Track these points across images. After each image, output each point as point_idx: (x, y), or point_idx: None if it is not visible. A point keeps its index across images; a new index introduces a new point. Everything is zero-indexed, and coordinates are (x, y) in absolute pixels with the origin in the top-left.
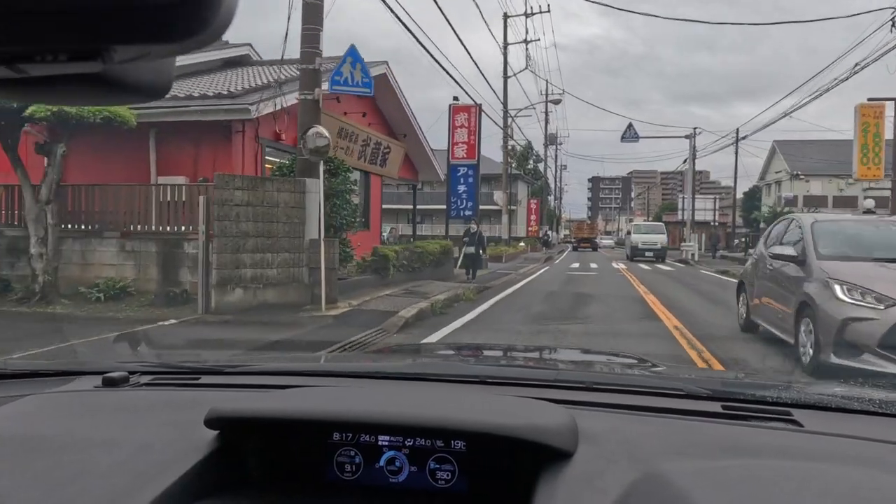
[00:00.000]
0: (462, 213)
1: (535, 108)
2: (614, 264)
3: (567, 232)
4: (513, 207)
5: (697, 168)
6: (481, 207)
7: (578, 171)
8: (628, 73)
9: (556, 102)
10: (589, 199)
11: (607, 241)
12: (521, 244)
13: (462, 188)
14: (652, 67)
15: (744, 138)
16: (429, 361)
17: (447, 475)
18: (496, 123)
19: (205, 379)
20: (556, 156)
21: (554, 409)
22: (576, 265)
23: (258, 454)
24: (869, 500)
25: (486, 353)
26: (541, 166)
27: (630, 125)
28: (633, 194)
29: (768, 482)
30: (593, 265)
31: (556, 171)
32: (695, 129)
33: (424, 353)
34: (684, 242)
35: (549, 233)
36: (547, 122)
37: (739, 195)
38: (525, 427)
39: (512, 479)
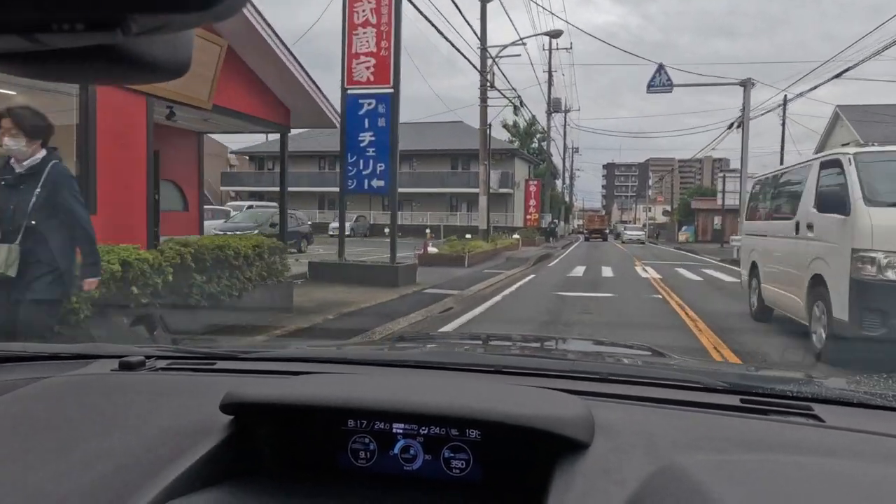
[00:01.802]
0: (366, 185)
1: (524, 45)
2: (640, 269)
3: (581, 222)
4: (508, 191)
5: (715, 155)
6: (468, 191)
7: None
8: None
9: (556, 35)
10: (603, 186)
11: (634, 233)
12: (515, 236)
13: (366, 139)
14: (669, 55)
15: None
16: (443, 350)
17: (461, 464)
18: (473, 66)
19: (220, 364)
20: (564, 131)
21: (570, 399)
22: (579, 270)
23: (273, 440)
24: (893, 497)
25: (499, 342)
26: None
27: (661, 68)
28: (650, 182)
29: (789, 477)
30: (606, 270)
31: (564, 149)
32: (749, 78)
33: (438, 342)
34: (737, 236)
35: (556, 221)
36: (550, 81)
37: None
38: (542, 417)
39: (526, 468)
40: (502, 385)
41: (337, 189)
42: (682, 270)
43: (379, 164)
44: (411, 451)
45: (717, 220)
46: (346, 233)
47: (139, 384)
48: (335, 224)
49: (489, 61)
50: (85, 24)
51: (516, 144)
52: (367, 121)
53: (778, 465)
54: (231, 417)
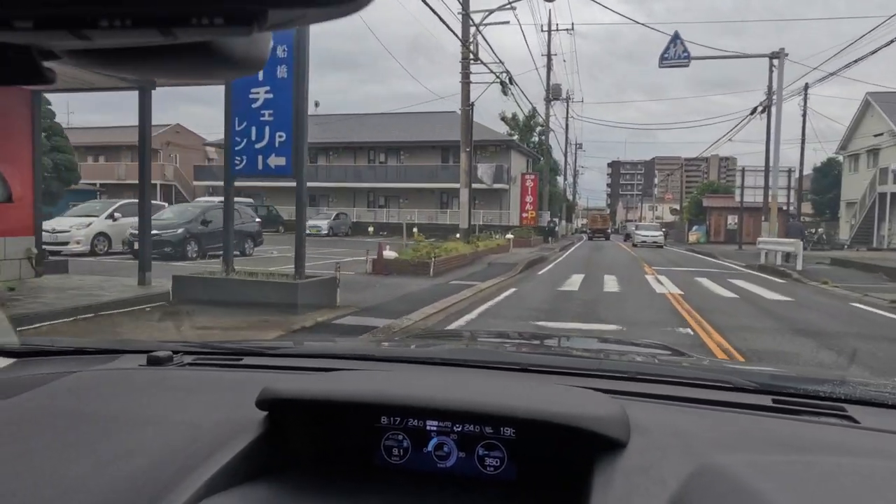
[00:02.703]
0: (261, 165)
1: (513, 9)
2: (652, 278)
3: (585, 221)
4: (502, 186)
5: (721, 154)
6: (457, 186)
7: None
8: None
9: None
10: (608, 185)
11: (649, 234)
12: (509, 236)
13: (260, 96)
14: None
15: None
16: (470, 348)
17: (496, 462)
18: (454, 33)
19: (246, 360)
20: (566, 123)
21: (604, 398)
22: (575, 281)
23: (305, 436)
24: None
25: (524, 340)
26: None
27: (676, 38)
28: (655, 180)
29: (827, 476)
30: (610, 281)
31: (566, 142)
32: (782, 49)
33: (465, 340)
34: (765, 237)
35: (556, 220)
36: (549, 64)
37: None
38: (581, 416)
39: (561, 466)
40: (534, 383)
41: (319, 183)
42: (705, 281)
43: (279, 134)
44: (445, 449)
45: (732, 220)
46: (324, 232)
47: (168, 379)
48: (313, 222)
49: (472, 29)
50: (224, 19)
51: (516, 139)
52: (260, 71)
53: (816, 464)
54: (265, 413)
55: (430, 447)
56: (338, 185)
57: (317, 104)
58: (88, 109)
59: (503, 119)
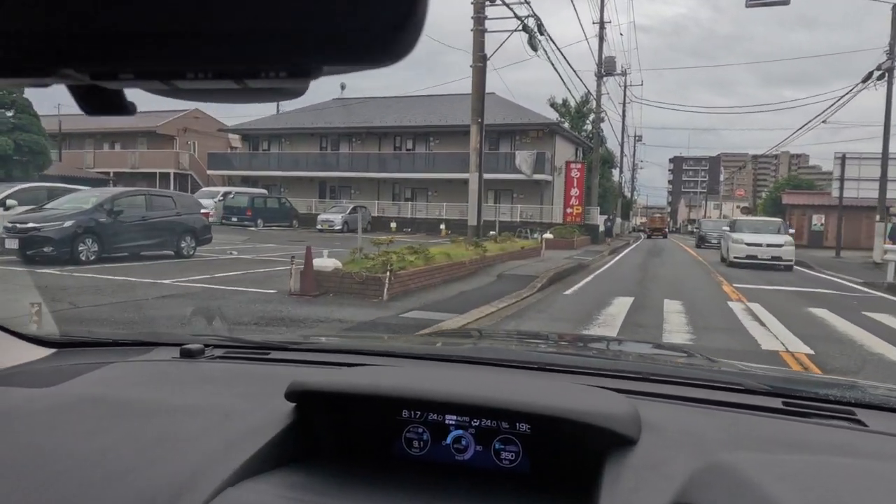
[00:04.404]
0: None
1: None
2: (739, 307)
3: (644, 220)
4: (544, 177)
5: (791, 151)
6: (493, 177)
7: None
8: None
9: None
10: (669, 182)
11: (762, 241)
12: (548, 235)
13: None
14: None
15: None
16: (488, 346)
17: (511, 455)
18: None
19: (273, 354)
20: (623, 109)
21: (618, 397)
22: (617, 311)
23: (330, 427)
24: None
25: (540, 339)
26: (604, 127)
27: None
28: (721, 177)
29: (835, 477)
30: (675, 317)
31: (623, 130)
32: None
33: (484, 338)
34: (890, 244)
35: (612, 218)
36: (602, 32)
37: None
38: (595, 413)
39: (574, 461)
40: (550, 381)
41: (340, 173)
42: (828, 317)
43: None
44: (463, 442)
45: (818, 220)
46: (338, 227)
47: (201, 371)
48: (326, 216)
49: None
50: (288, 73)
51: (565, 123)
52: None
53: (824, 465)
54: (293, 405)
55: (449, 440)
56: (360, 175)
57: (342, 86)
58: None
59: (552, 105)
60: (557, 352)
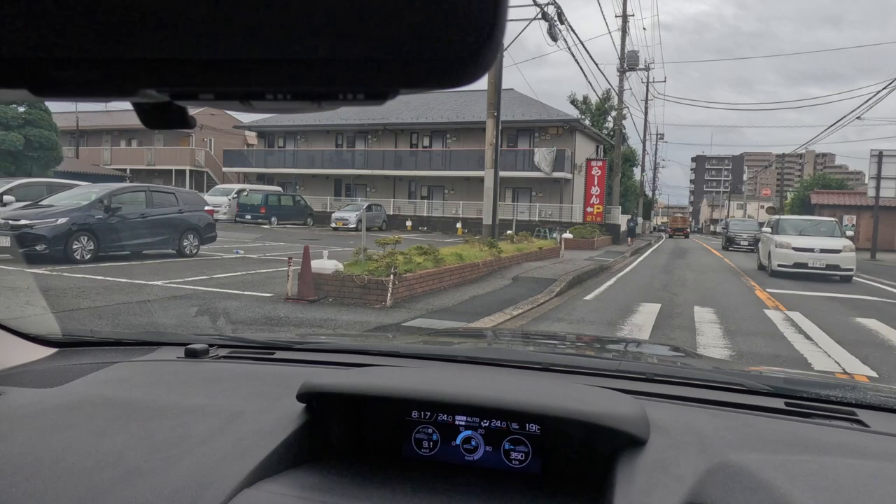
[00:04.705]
0: None
1: None
2: (779, 316)
3: (666, 219)
4: (564, 175)
5: (818, 150)
6: (511, 175)
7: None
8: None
9: None
10: (691, 181)
11: (814, 245)
12: (567, 235)
13: None
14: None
15: None
16: (494, 347)
17: (521, 456)
18: None
19: (278, 354)
20: (645, 106)
21: (625, 398)
22: (643, 319)
23: (340, 427)
24: None
25: (546, 340)
26: (625, 124)
27: None
28: (745, 176)
29: (839, 477)
30: (708, 327)
31: (645, 127)
32: None
33: (489, 338)
34: None
35: (636, 219)
36: (625, 26)
37: None
38: (605, 415)
39: (583, 462)
40: (558, 382)
41: (356, 171)
42: (877, 326)
43: None
44: (473, 443)
45: (849, 220)
46: (352, 225)
47: (206, 371)
48: (340, 214)
49: None
50: (365, 95)
51: (586, 119)
52: None
53: (828, 465)
54: (304, 405)
55: (459, 441)
56: (376, 172)
57: None
58: None
59: (572, 102)
60: (564, 352)
